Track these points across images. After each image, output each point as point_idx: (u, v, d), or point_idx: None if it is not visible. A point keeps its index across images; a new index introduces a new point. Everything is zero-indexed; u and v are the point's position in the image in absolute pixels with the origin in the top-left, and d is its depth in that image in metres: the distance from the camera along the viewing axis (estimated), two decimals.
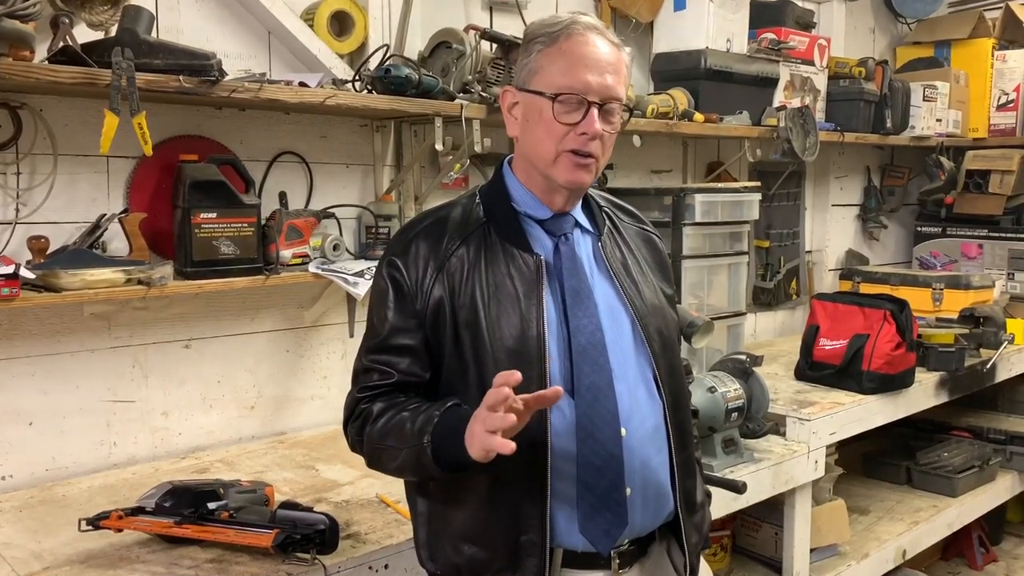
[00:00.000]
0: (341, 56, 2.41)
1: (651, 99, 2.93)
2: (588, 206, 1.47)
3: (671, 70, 3.17)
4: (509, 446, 1.15)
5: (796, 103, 3.40)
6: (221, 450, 2.27)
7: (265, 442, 2.35)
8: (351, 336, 2.50)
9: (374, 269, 2.28)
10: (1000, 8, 4.27)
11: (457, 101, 2.33)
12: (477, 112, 2.37)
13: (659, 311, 1.44)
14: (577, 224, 1.42)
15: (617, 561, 1.36)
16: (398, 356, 1.36)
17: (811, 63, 3.50)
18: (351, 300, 2.43)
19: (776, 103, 3.34)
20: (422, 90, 2.26)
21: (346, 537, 1.68)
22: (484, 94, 2.40)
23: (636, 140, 2.95)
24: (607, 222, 1.47)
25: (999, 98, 4.24)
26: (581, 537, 1.33)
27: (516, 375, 1.16)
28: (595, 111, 1.30)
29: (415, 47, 2.56)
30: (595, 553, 1.34)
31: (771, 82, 3.33)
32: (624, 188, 3.02)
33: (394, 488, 1.92)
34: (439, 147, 2.33)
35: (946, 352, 3.07)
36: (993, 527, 3.78)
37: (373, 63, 2.33)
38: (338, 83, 2.27)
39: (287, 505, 1.67)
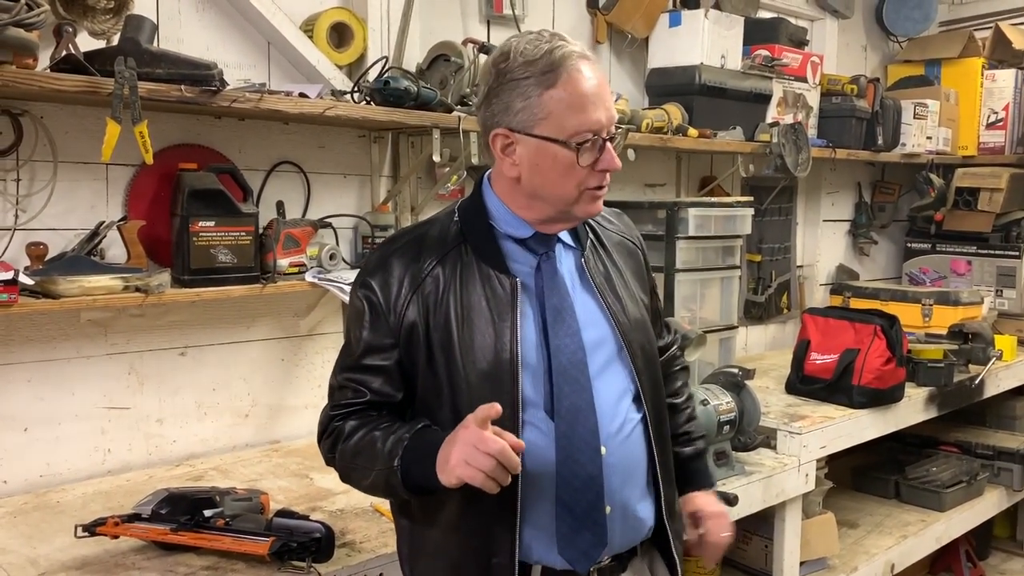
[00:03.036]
0: (340, 67, 2.43)
1: (646, 114, 2.96)
2: None
3: (666, 85, 3.20)
4: (489, 486, 1.18)
5: (789, 119, 3.44)
6: (215, 458, 2.28)
7: (259, 450, 2.35)
8: None
9: None
10: (990, 28, 4.33)
11: (455, 113, 2.35)
12: (474, 124, 2.38)
13: (641, 325, 1.44)
14: (559, 240, 1.41)
15: None
16: (371, 376, 1.36)
17: (804, 80, 3.54)
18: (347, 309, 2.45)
19: (769, 119, 3.38)
20: (420, 102, 2.28)
21: (341, 546, 1.69)
22: None
23: (631, 154, 2.97)
24: (589, 235, 1.46)
25: (988, 117, 4.29)
26: (560, 557, 1.33)
27: (496, 408, 1.18)
28: (609, 145, 1.31)
29: (413, 59, 2.59)
30: (573, 570, 1.34)
31: (764, 98, 3.36)
32: (618, 201, 3.04)
33: None
34: (436, 159, 2.35)
35: (935, 367, 3.10)
36: (980, 542, 3.81)
37: (372, 75, 2.35)
38: (337, 94, 2.29)
39: (283, 513, 1.67)
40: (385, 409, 1.37)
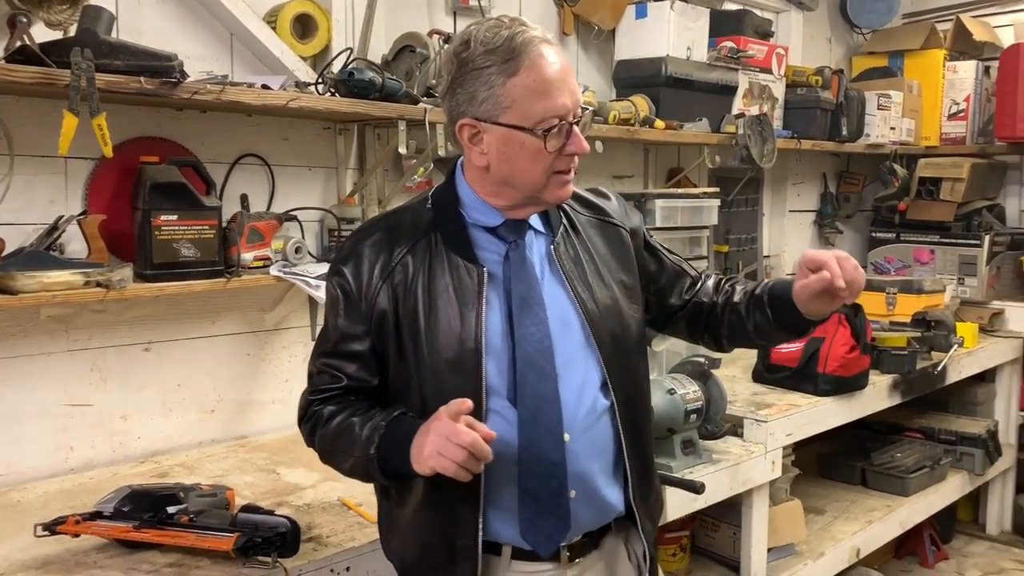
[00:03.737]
0: (304, 59, 2.41)
1: (613, 105, 2.97)
2: None
3: (632, 77, 3.21)
4: (461, 476, 1.22)
5: (754, 111, 3.47)
6: (181, 454, 2.25)
7: (226, 446, 2.33)
8: (313, 340, 2.49)
9: None
10: (951, 20, 4.39)
11: (421, 105, 2.34)
12: (441, 116, 2.35)
13: (613, 311, 1.42)
14: (530, 226, 1.41)
15: (567, 554, 1.40)
16: (347, 361, 1.39)
17: (769, 71, 3.57)
18: (313, 303, 2.43)
19: (735, 110, 3.40)
20: (385, 93, 2.27)
21: (308, 540, 1.68)
22: None
23: (599, 146, 2.98)
24: (563, 220, 1.45)
25: (950, 107, 4.36)
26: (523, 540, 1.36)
27: (467, 404, 1.22)
28: (576, 129, 1.31)
29: (379, 51, 2.57)
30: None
31: (730, 90, 3.38)
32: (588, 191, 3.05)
33: (356, 491, 1.92)
34: (402, 150, 2.34)
35: (899, 355, 3.15)
36: (944, 525, 3.88)
37: (336, 66, 2.33)
38: (301, 86, 2.27)
39: (248, 508, 1.66)
40: (362, 394, 1.40)
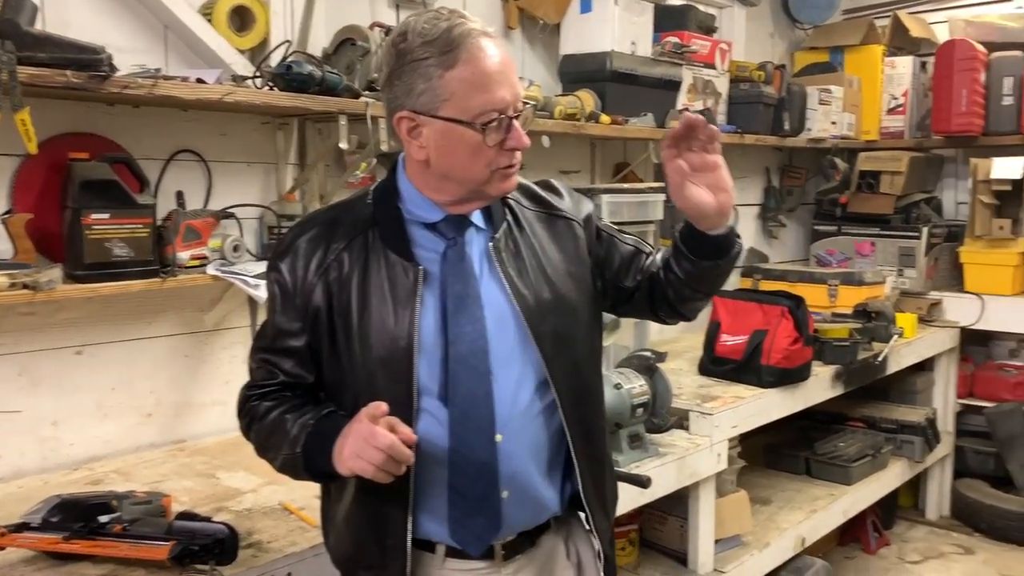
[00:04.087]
0: (242, 52, 2.35)
1: (559, 100, 2.96)
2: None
3: (578, 72, 3.21)
4: (380, 478, 1.22)
5: (699, 105, 3.49)
6: (117, 460, 2.18)
7: (164, 450, 2.27)
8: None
9: None
10: (889, 16, 4.47)
11: (362, 99, 2.30)
12: (383, 110, 2.33)
13: (556, 307, 1.38)
14: (472, 223, 1.38)
15: (502, 552, 1.38)
16: (282, 357, 1.38)
17: (713, 67, 3.60)
18: (253, 303, 2.38)
19: (679, 105, 3.42)
20: (325, 87, 2.22)
21: (247, 546, 1.64)
22: None
23: (545, 141, 2.97)
24: (507, 215, 1.41)
25: (889, 102, 4.45)
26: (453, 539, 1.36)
27: (382, 408, 1.22)
28: (516, 123, 1.29)
29: (319, 44, 2.52)
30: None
31: (675, 85, 3.40)
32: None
33: (297, 495, 1.89)
34: (344, 145, 2.29)
35: (841, 346, 3.21)
36: (886, 512, 3.97)
37: (275, 59, 2.27)
38: (238, 79, 2.22)
39: (184, 516, 1.62)
40: (299, 389, 1.39)
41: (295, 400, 1.38)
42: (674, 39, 3.36)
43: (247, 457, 2.15)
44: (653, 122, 3.25)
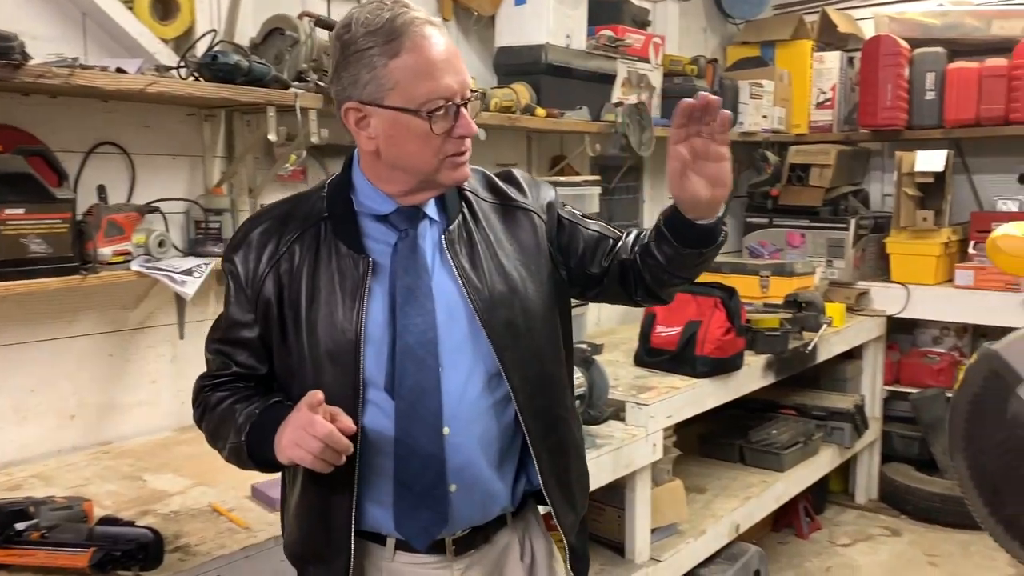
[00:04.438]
0: (165, 41, 2.27)
1: (494, 92, 2.95)
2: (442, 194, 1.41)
3: (513, 64, 3.19)
4: (319, 467, 1.22)
5: (633, 99, 3.52)
6: (37, 464, 2.10)
7: (87, 453, 2.19)
8: (181, 338, 2.37)
9: (203, 266, 2.19)
10: (818, 12, 4.57)
11: (291, 90, 2.26)
12: (313, 102, 2.30)
13: (511, 299, 1.37)
14: (426, 215, 1.37)
15: (453, 548, 1.38)
16: (235, 349, 1.40)
17: (647, 60, 3.62)
18: (180, 300, 2.31)
19: (614, 99, 3.44)
20: (253, 78, 2.17)
21: (174, 550, 1.59)
22: (320, 83, 2.34)
23: (481, 133, 2.93)
24: (462, 207, 1.40)
25: (818, 96, 4.55)
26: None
27: (318, 396, 1.22)
28: (464, 111, 1.28)
29: (246, 33, 2.46)
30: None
31: (609, 78, 3.42)
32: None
33: (228, 496, 1.85)
34: (273, 138, 2.24)
35: (772, 336, 3.27)
36: (817, 497, 4.07)
37: (200, 49, 2.21)
38: (161, 69, 2.14)
39: (106, 521, 1.57)
40: (253, 381, 1.41)
41: (247, 391, 1.39)
42: (608, 32, 3.37)
43: (175, 458, 2.11)
44: (588, 115, 3.26)
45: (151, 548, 1.50)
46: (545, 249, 1.45)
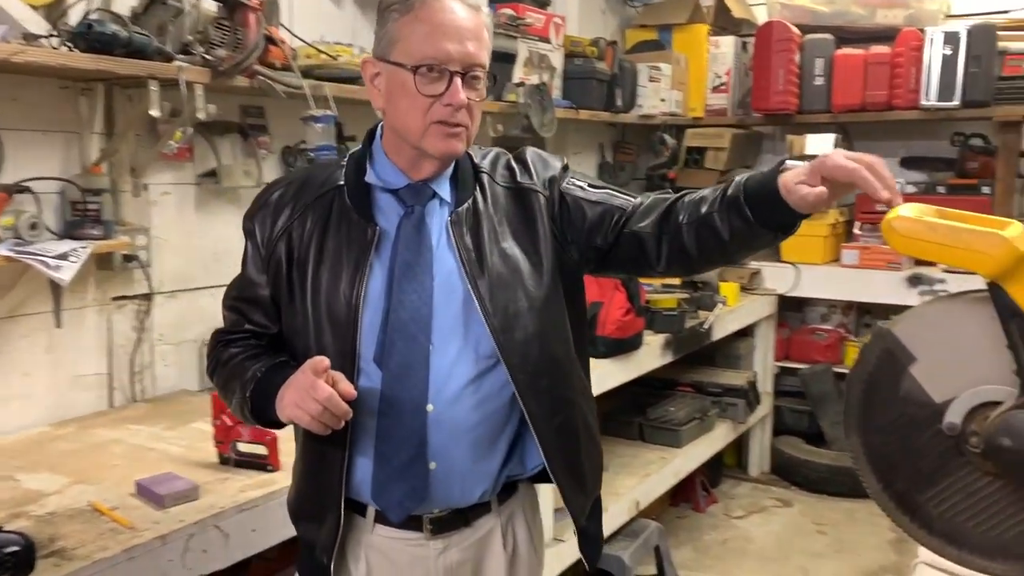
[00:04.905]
0: (35, 8, 2.10)
1: None
2: (456, 173, 1.40)
3: None
4: (316, 429, 1.27)
5: (534, 80, 3.49)
6: None
7: None
8: (58, 326, 2.22)
9: (81, 251, 2.05)
10: None
11: (175, 63, 2.13)
12: (199, 76, 2.19)
13: (513, 283, 1.35)
14: (437, 194, 1.38)
15: (430, 527, 1.38)
16: (249, 307, 1.45)
17: (547, 41, 3.60)
18: (56, 286, 2.16)
19: (515, 79, 3.41)
20: (133, 49, 2.04)
21: (49, 555, 1.48)
22: (207, 56, 2.22)
23: (379, 113, 2.88)
24: (476, 189, 1.40)
25: (713, 80, 4.63)
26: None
27: (324, 363, 1.25)
28: (458, 80, 1.28)
29: (126, 2, 2.30)
30: (408, 517, 1.37)
31: (510, 58, 3.38)
32: None
33: (110, 493, 1.74)
34: (155, 113, 2.12)
35: (670, 315, 3.32)
36: (713, 471, 4.19)
37: (75, 18, 2.06)
38: (30, 38, 1.98)
39: None
40: (265, 339, 1.45)
41: (257, 349, 1.44)
42: (509, 11, 3.34)
43: (52, 455, 1.98)
44: (488, 94, 3.21)
45: (21, 555, 1.39)
46: (549, 229, 1.42)
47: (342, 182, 1.39)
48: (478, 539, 1.43)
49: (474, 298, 1.33)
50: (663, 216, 1.36)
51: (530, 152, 1.48)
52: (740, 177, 1.29)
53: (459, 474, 1.36)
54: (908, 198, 4.16)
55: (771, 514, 3.98)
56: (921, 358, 1.07)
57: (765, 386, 4.33)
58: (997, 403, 1.01)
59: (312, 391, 1.24)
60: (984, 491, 1.04)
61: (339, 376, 1.26)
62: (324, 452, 1.36)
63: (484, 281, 1.34)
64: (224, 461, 1.88)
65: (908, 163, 4.50)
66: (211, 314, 2.63)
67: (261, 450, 1.83)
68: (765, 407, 4.31)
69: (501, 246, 1.38)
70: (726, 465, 4.39)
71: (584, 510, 1.49)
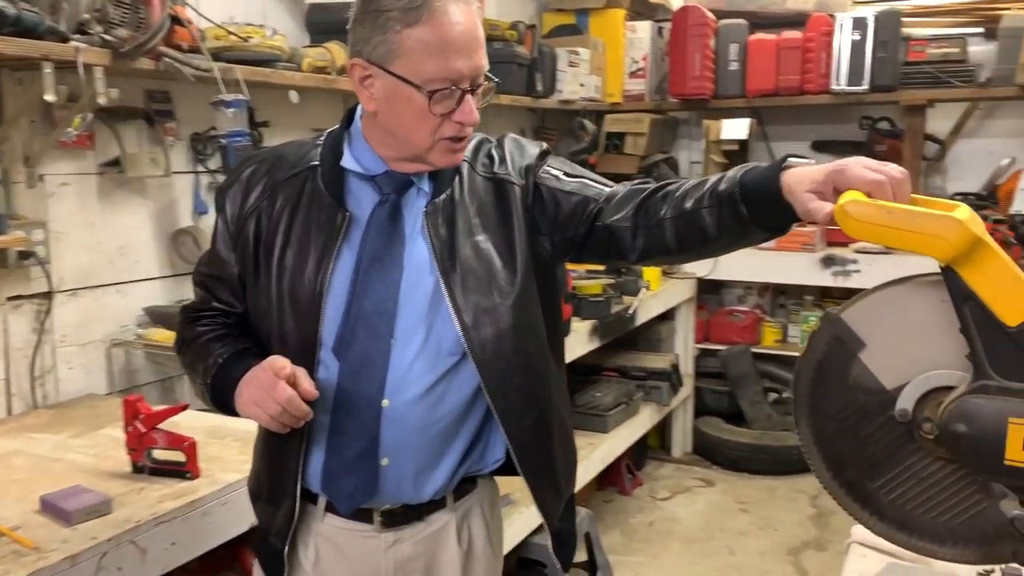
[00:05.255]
0: None
1: (307, 52, 2.76)
2: None
3: (326, 22, 3.01)
4: (275, 428, 1.27)
5: None
6: None
7: None
8: None
9: None
10: None
11: (71, 44, 1.97)
12: (99, 58, 2.04)
13: (485, 278, 1.31)
14: (414, 183, 1.34)
15: (380, 520, 1.36)
16: (216, 284, 1.43)
17: None
18: None
19: None
20: (22, 28, 1.88)
21: None
22: (107, 37, 2.07)
23: (293, 96, 2.77)
24: (456, 180, 1.35)
25: (630, 66, 4.64)
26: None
27: (286, 371, 1.23)
28: (470, 98, 1.24)
29: None
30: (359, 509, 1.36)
31: None
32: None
33: (12, 511, 1.60)
34: (51, 98, 1.97)
35: (596, 301, 3.32)
36: (637, 454, 4.22)
37: None
38: None
39: None
40: (233, 317, 1.43)
41: (224, 328, 1.42)
42: None
43: None
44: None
45: None
46: (524, 222, 1.36)
47: (317, 162, 1.35)
48: (431, 534, 1.39)
49: (444, 292, 1.30)
50: (638, 208, 1.30)
51: (508, 139, 1.43)
52: (734, 171, 1.22)
53: (412, 471, 1.34)
54: None
55: (695, 494, 4.03)
56: (871, 344, 1.06)
57: (686, 368, 4.38)
58: (949, 388, 1.01)
59: (271, 391, 1.23)
60: (935, 476, 1.04)
61: (301, 374, 1.24)
62: (282, 439, 1.33)
63: (456, 275, 1.31)
64: (138, 470, 1.75)
65: (819, 146, 4.62)
66: (118, 312, 2.48)
67: (179, 457, 1.72)
68: (687, 389, 4.36)
69: (475, 239, 1.33)
70: (650, 447, 4.44)
71: (557, 510, 1.45)
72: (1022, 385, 0.96)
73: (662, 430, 4.47)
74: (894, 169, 1.05)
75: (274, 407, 1.23)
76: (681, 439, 4.49)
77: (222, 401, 1.35)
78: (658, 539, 3.59)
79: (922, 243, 0.98)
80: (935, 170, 4.40)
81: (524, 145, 1.42)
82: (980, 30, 4.12)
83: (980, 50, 4.07)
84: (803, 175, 1.11)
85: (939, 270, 1.00)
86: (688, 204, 1.25)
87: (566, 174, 1.39)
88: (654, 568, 3.34)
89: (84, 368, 2.40)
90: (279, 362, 1.24)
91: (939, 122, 4.32)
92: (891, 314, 1.05)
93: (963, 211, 1.00)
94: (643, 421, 3.91)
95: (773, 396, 4.55)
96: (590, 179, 1.39)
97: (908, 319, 1.04)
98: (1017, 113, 4.22)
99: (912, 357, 1.04)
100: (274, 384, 1.22)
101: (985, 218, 3.63)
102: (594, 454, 3.43)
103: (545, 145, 1.44)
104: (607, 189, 1.36)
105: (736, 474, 4.20)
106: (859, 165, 1.06)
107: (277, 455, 1.37)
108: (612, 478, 4.00)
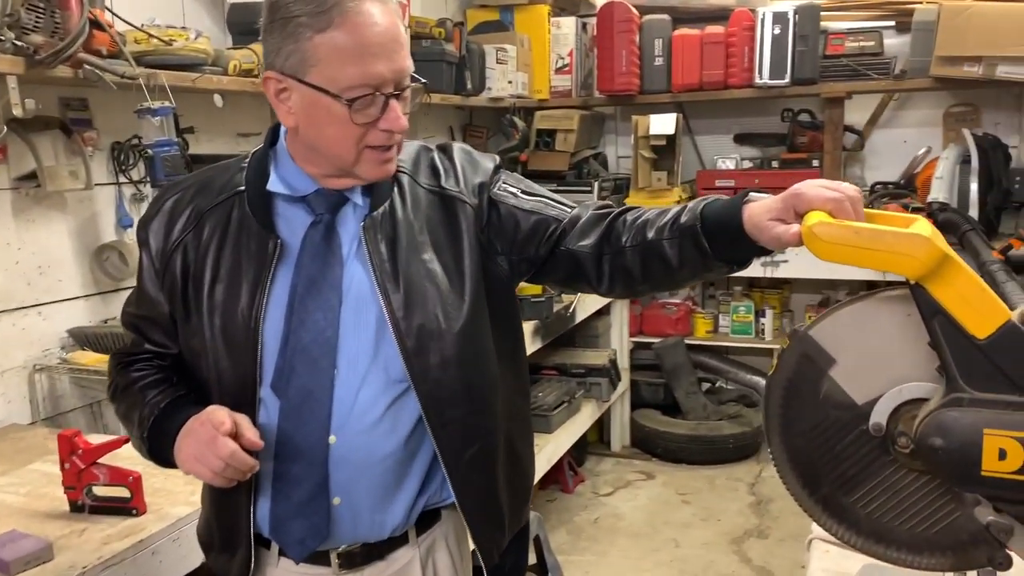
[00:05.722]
0: None
1: (232, 54, 2.66)
2: None
3: (248, 23, 2.88)
4: (219, 483, 1.20)
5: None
6: None
7: None
8: None
9: None
10: None
11: None
12: (11, 66, 1.92)
13: (430, 300, 1.24)
14: (349, 199, 1.27)
15: (338, 562, 1.30)
16: (146, 325, 1.36)
17: None
18: None
19: None
20: None
21: None
22: (19, 43, 1.94)
23: (218, 100, 2.66)
24: (395, 192, 1.28)
25: (556, 62, 4.63)
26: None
27: (225, 427, 1.16)
28: (394, 103, 1.17)
29: None
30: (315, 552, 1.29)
31: None
32: (208, 154, 2.71)
33: None
34: None
35: (537, 302, 3.30)
36: (578, 451, 4.24)
37: None
38: None
39: None
40: (167, 359, 1.36)
41: (160, 373, 1.35)
42: None
43: None
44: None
45: None
46: (475, 242, 1.31)
47: (243, 187, 1.27)
48: (394, 573, 1.33)
49: (387, 316, 1.23)
50: (603, 236, 1.28)
51: (458, 151, 1.36)
52: (694, 204, 1.21)
53: (367, 508, 1.27)
54: (744, 173, 4.29)
55: (637, 488, 4.07)
56: (840, 360, 1.06)
57: (623, 362, 4.42)
58: (921, 400, 1.02)
59: (212, 446, 1.16)
60: (909, 488, 1.05)
61: (244, 423, 1.18)
62: (231, 488, 1.26)
63: (399, 296, 1.23)
64: (77, 509, 1.65)
65: (741, 139, 4.71)
66: (40, 335, 2.35)
67: (123, 493, 1.63)
68: (624, 383, 4.40)
69: (421, 258, 1.27)
70: (589, 442, 4.46)
71: (499, 547, 1.38)
72: (995, 396, 0.98)
73: (600, 424, 4.50)
74: (848, 187, 1.06)
75: (216, 463, 1.17)
76: (620, 433, 4.53)
77: (161, 455, 1.29)
78: (604, 536, 3.61)
79: (891, 262, 0.99)
80: (854, 160, 4.53)
81: (477, 159, 1.37)
82: (892, 23, 4.26)
83: (894, 43, 4.21)
84: (762, 206, 1.12)
85: (905, 285, 1.02)
86: (650, 234, 1.23)
87: (523, 192, 1.35)
88: (603, 566, 3.35)
89: (4, 397, 2.26)
90: (218, 415, 1.18)
91: (857, 113, 4.44)
92: (859, 329, 1.06)
93: (924, 226, 1.01)
94: (584, 418, 3.92)
95: (707, 386, 4.63)
96: (549, 199, 1.35)
97: (876, 334, 1.05)
98: (929, 103, 4.38)
99: (882, 371, 1.05)
100: (214, 438, 1.16)
101: (905, 207, 3.76)
102: (539, 455, 3.40)
103: (498, 159, 1.40)
104: (568, 211, 1.33)
105: (675, 465, 4.26)
106: (815, 186, 1.07)
107: (226, 503, 1.32)
108: (554, 476, 4.00)
